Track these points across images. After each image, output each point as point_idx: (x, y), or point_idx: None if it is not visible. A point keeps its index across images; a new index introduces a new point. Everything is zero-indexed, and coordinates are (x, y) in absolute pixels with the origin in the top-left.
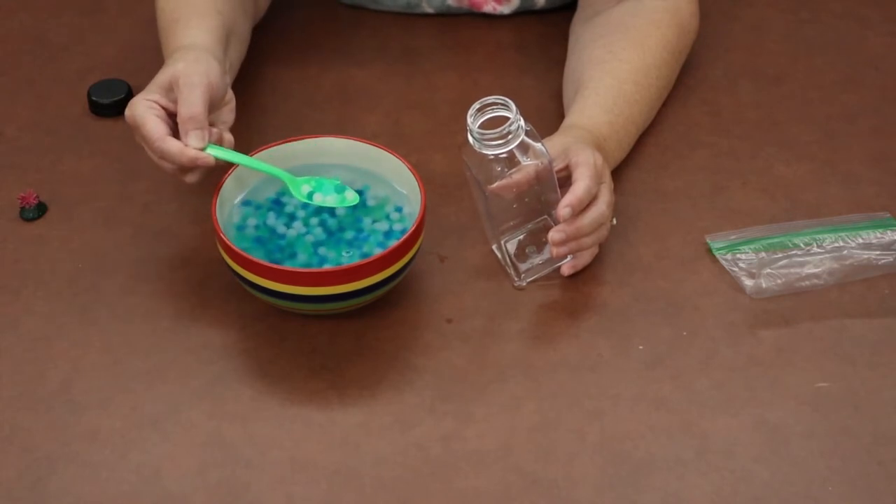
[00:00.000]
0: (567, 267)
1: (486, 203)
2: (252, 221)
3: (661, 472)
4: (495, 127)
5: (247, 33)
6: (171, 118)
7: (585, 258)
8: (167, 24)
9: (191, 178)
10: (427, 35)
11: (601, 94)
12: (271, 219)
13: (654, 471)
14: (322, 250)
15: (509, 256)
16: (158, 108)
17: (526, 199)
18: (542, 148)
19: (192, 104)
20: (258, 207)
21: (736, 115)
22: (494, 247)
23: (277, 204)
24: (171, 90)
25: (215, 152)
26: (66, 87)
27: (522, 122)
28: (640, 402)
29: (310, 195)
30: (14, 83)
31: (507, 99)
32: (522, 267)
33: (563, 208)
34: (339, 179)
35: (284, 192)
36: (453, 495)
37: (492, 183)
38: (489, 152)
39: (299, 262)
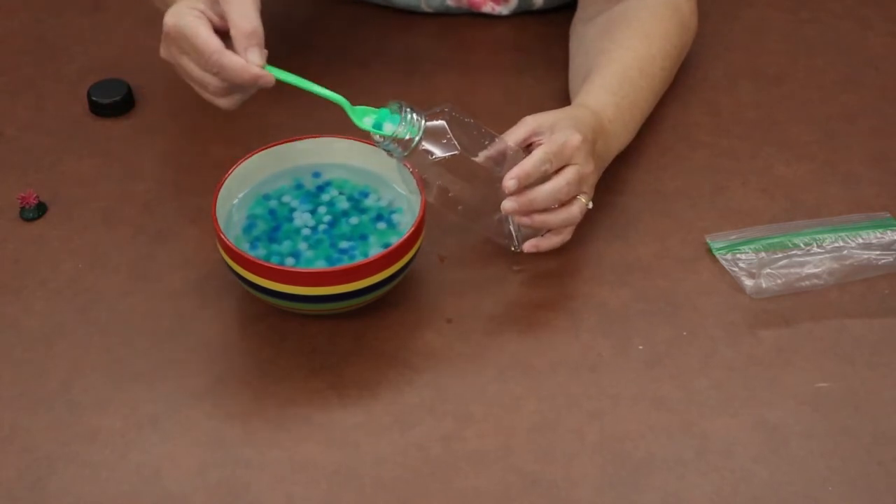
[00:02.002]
0: (528, 244)
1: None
2: (287, 198)
3: (661, 472)
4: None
5: None
6: (216, 33)
7: (554, 240)
8: None
9: (228, 103)
10: (427, 35)
11: (607, 77)
12: (296, 202)
13: (654, 471)
14: (304, 246)
15: (509, 223)
16: (206, 18)
17: (450, 194)
18: (450, 136)
19: (250, 18)
20: (300, 187)
21: (736, 115)
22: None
23: (320, 189)
24: (215, 3)
25: (274, 72)
26: (66, 87)
27: (414, 117)
28: (640, 402)
29: (377, 125)
30: (14, 83)
31: (399, 103)
32: (515, 232)
33: (508, 179)
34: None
35: (305, 186)
36: (453, 495)
37: (433, 179)
38: (398, 155)
39: (281, 249)
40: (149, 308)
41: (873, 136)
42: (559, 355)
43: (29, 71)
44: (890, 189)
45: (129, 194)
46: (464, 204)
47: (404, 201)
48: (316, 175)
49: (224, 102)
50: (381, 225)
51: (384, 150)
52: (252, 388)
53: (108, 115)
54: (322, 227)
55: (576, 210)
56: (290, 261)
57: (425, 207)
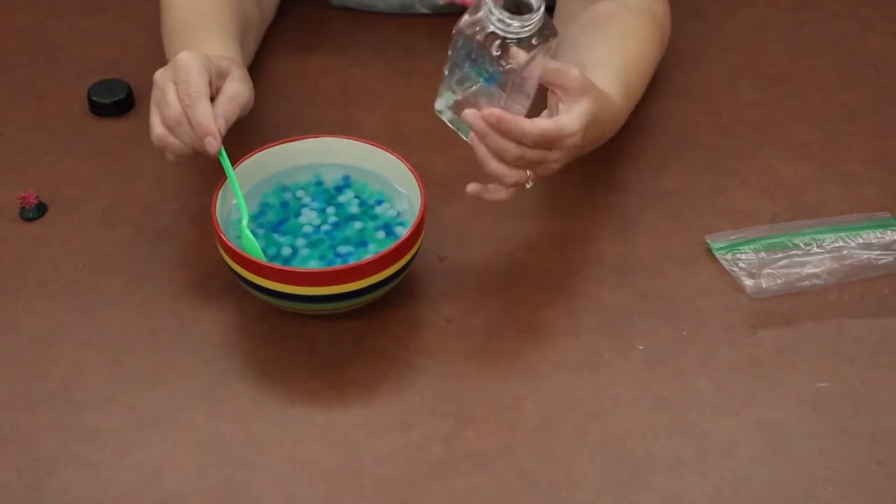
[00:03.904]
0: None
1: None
2: (301, 193)
3: (661, 472)
4: (517, 12)
5: (250, 51)
6: None
7: (497, 195)
8: (188, 29)
9: (161, 133)
10: (425, 35)
11: (621, 74)
12: (308, 199)
13: (654, 471)
14: (302, 243)
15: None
16: (211, 75)
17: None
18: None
19: (231, 106)
20: (320, 184)
21: (736, 115)
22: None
23: (339, 190)
24: (221, 77)
25: (223, 152)
26: (66, 87)
27: (539, 20)
28: (640, 402)
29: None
30: (14, 83)
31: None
32: (446, 104)
33: (492, 115)
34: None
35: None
36: (453, 495)
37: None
38: (497, 30)
39: (282, 241)
40: (149, 308)
41: (873, 136)
42: (559, 355)
43: (29, 71)
44: (890, 189)
45: (129, 194)
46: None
47: (411, 214)
48: (346, 178)
49: (160, 130)
50: (381, 234)
51: (488, 17)
52: (252, 388)
53: (108, 115)
54: (325, 227)
55: (512, 177)
56: (286, 251)
57: (425, 208)
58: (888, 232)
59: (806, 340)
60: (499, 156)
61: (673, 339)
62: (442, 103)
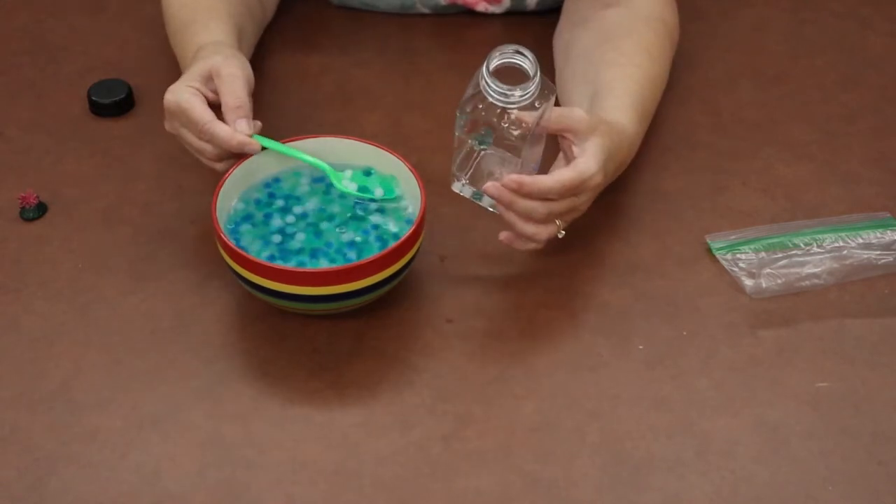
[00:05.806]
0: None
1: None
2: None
3: (661, 472)
4: (510, 78)
5: (253, 37)
6: (210, 107)
7: (529, 245)
8: (182, 26)
9: (224, 167)
10: (425, 35)
11: (634, 98)
12: (313, 203)
13: (654, 471)
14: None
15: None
16: (201, 94)
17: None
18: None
19: (237, 94)
20: (330, 187)
21: (736, 115)
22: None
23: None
24: (210, 80)
25: (262, 141)
26: (66, 87)
27: (537, 85)
28: (640, 402)
29: (363, 189)
30: (14, 83)
31: (529, 57)
32: (461, 181)
33: (512, 181)
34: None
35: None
36: (453, 495)
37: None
38: (497, 102)
39: (281, 242)
40: (149, 308)
41: (873, 136)
42: (559, 355)
43: (29, 71)
44: (890, 189)
45: (129, 194)
46: (472, 144)
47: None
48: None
49: (221, 166)
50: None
51: (483, 82)
52: (252, 388)
53: (108, 115)
54: (328, 227)
55: (544, 234)
56: (281, 236)
57: (425, 207)
58: (888, 232)
59: (806, 340)
60: (529, 218)
61: (673, 339)
62: (458, 185)
